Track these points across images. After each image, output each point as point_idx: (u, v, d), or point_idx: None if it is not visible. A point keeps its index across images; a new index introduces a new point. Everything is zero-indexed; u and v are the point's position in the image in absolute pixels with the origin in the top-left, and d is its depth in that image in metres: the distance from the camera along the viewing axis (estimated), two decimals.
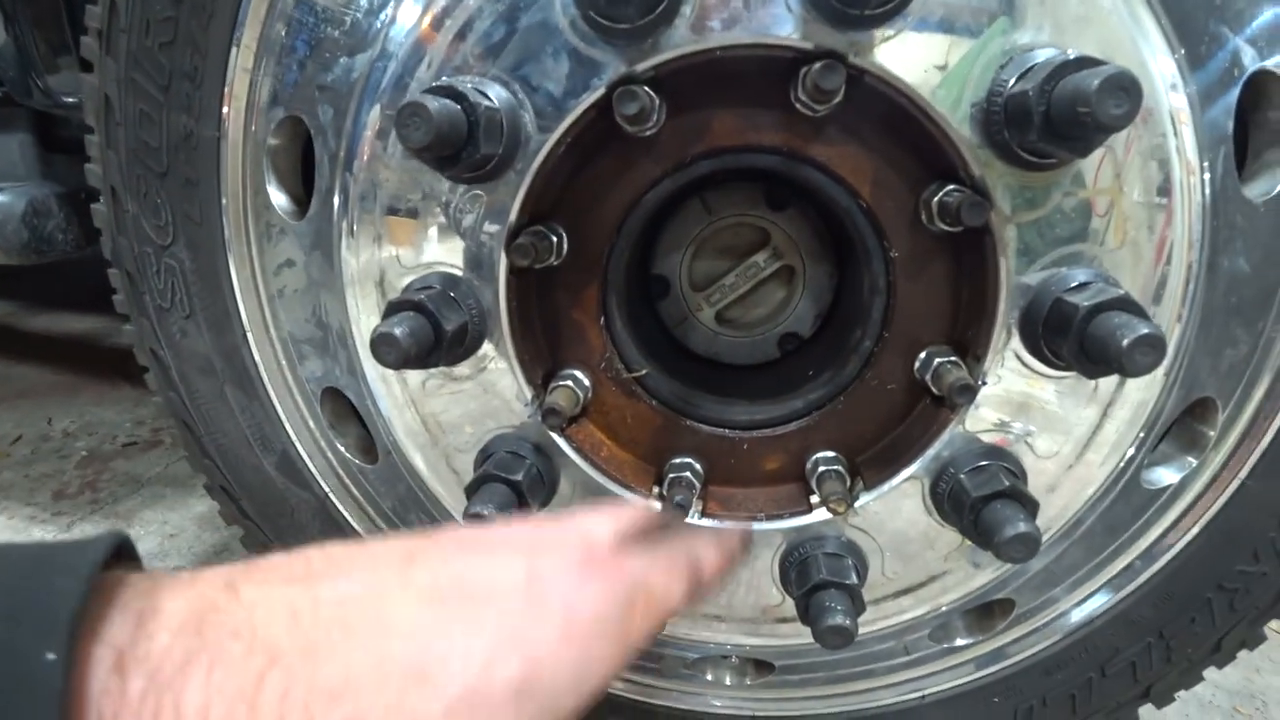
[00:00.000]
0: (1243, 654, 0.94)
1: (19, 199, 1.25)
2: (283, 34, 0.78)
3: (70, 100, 1.20)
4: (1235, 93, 0.68)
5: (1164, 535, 0.87)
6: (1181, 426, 0.85)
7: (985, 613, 0.92)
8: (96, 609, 0.30)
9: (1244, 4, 0.67)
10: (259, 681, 0.31)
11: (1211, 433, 0.83)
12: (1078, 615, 0.92)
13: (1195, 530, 0.87)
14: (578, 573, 0.39)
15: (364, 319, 0.75)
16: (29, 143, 1.42)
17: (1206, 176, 0.68)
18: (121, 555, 0.33)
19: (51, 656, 0.27)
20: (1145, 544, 0.88)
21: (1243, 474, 0.84)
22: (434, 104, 0.54)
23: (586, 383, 0.74)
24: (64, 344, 2.61)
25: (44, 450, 1.94)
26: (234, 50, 0.80)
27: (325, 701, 0.31)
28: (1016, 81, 0.59)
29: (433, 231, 0.69)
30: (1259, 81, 0.71)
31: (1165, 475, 0.84)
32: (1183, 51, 0.65)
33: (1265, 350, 0.79)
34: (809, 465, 0.75)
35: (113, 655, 0.29)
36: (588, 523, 0.44)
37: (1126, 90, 0.52)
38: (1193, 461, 0.84)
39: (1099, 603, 0.91)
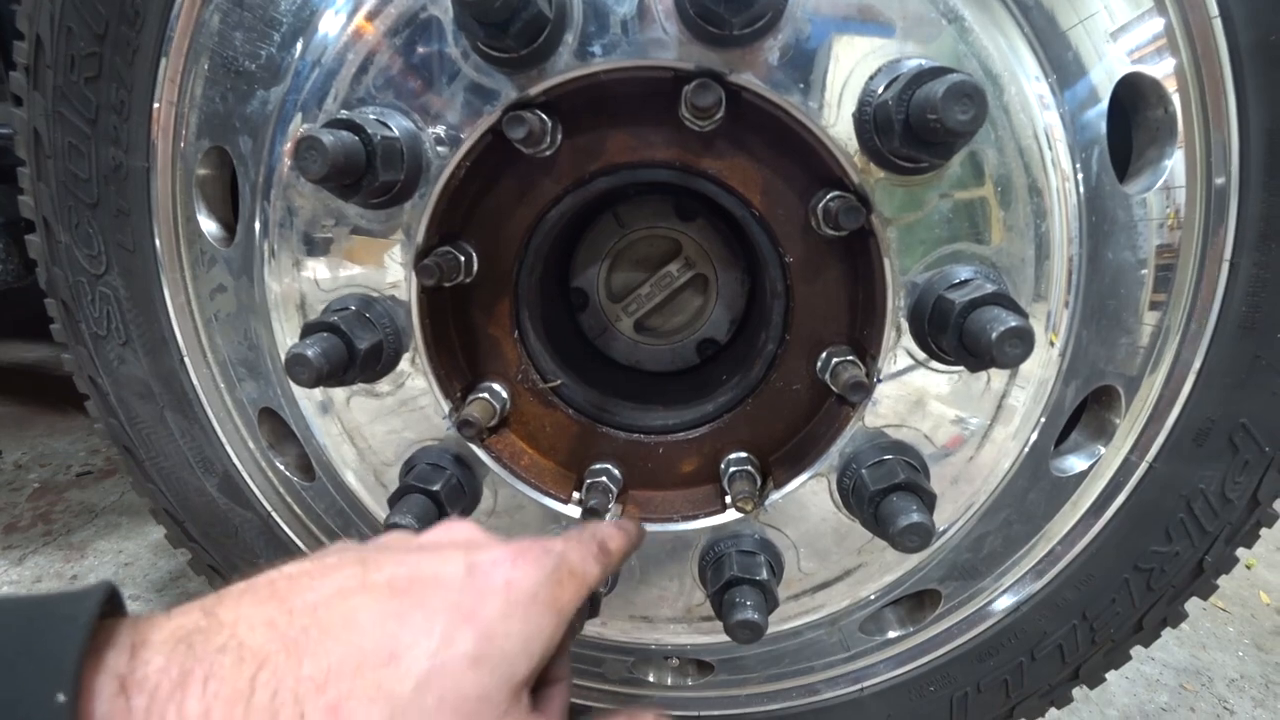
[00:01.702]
0: (1190, 632, 0.98)
1: None
2: (205, 68, 0.82)
3: (3, 132, 1.23)
4: (1106, 97, 0.73)
5: (1081, 520, 0.92)
6: (1090, 415, 0.89)
7: (916, 604, 0.96)
8: (96, 648, 0.34)
9: (1111, 10, 0.72)
10: (251, 683, 0.35)
11: (1117, 420, 0.87)
12: (1004, 602, 0.96)
13: (1109, 514, 0.91)
14: (510, 558, 0.45)
15: (288, 341, 0.79)
16: None
17: (1080, 177, 0.73)
18: (113, 603, 0.38)
19: (62, 698, 0.31)
20: (1063, 530, 0.92)
21: (1149, 458, 0.89)
22: (329, 137, 0.58)
23: (504, 394, 0.78)
24: (13, 374, 2.61)
25: None
26: (159, 84, 0.84)
27: (312, 692, 0.36)
28: (883, 91, 0.64)
29: (347, 254, 0.73)
30: (1135, 83, 0.76)
31: (1076, 463, 0.89)
32: (1054, 74, 0.69)
33: (1162, 337, 0.83)
34: (722, 466, 0.79)
35: (115, 682, 0.34)
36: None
37: (971, 97, 0.56)
38: (1101, 449, 0.88)
39: (1024, 589, 0.95)
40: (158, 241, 0.90)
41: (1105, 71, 0.74)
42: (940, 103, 0.55)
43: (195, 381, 0.95)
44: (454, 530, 0.52)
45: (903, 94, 0.60)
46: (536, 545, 0.48)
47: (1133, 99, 0.79)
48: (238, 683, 0.35)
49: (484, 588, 0.43)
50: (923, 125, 0.58)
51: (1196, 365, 0.85)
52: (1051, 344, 0.76)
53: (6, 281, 1.27)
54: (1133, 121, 0.81)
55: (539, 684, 0.49)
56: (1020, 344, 0.61)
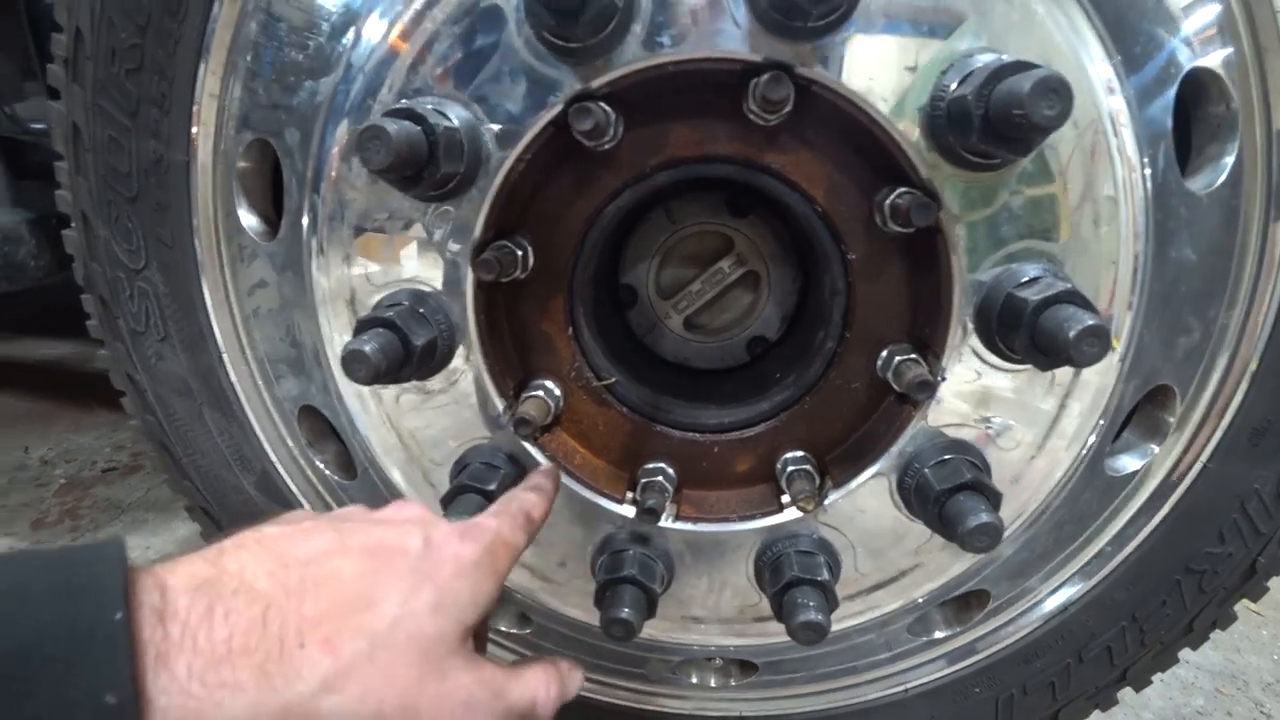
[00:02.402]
0: (1224, 636, 0.97)
1: None
2: (248, 59, 0.80)
3: (38, 127, 1.21)
4: (1172, 91, 0.72)
5: (1132, 520, 0.91)
6: (1143, 414, 0.88)
7: (962, 604, 0.95)
8: (130, 584, 0.41)
9: (1178, 6, 0.71)
10: (263, 617, 0.45)
11: (1171, 419, 0.86)
12: (1053, 603, 0.95)
13: (1161, 514, 0.90)
14: (458, 535, 0.57)
15: (336, 337, 0.78)
16: None
17: (1148, 172, 0.72)
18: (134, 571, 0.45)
19: (119, 615, 0.39)
20: (1114, 530, 0.91)
21: (1204, 457, 0.88)
22: (393, 126, 0.57)
23: (557, 392, 0.77)
24: (38, 371, 2.60)
25: (21, 480, 1.94)
26: (200, 75, 0.83)
27: (310, 628, 0.46)
28: (957, 86, 0.62)
29: (400, 249, 0.72)
30: (1198, 78, 0.74)
31: (1129, 462, 0.87)
32: (1119, 57, 0.68)
33: (1219, 336, 0.82)
34: (778, 465, 0.78)
35: (153, 613, 0.42)
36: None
37: (1057, 91, 0.55)
38: (1155, 448, 0.87)
39: (1073, 590, 0.94)
40: (197, 236, 0.89)
41: (1172, 63, 0.72)
42: (1027, 98, 0.54)
43: (234, 378, 0.94)
44: (405, 510, 0.61)
45: (982, 89, 0.58)
46: (476, 525, 0.59)
47: (1194, 94, 0.77)
48: (251, 616, 0.44)
49: (439, 557, 0.54)
50: (1005, 121, 0.57)
51: (1253, 364, 0.84)
52: (1113, 348, 0.75)
53: (39, 278, 1.26)
54: (1193, 116, 0.80)
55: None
56: (1098, 342, 0.59)
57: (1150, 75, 0.71)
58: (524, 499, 0.65)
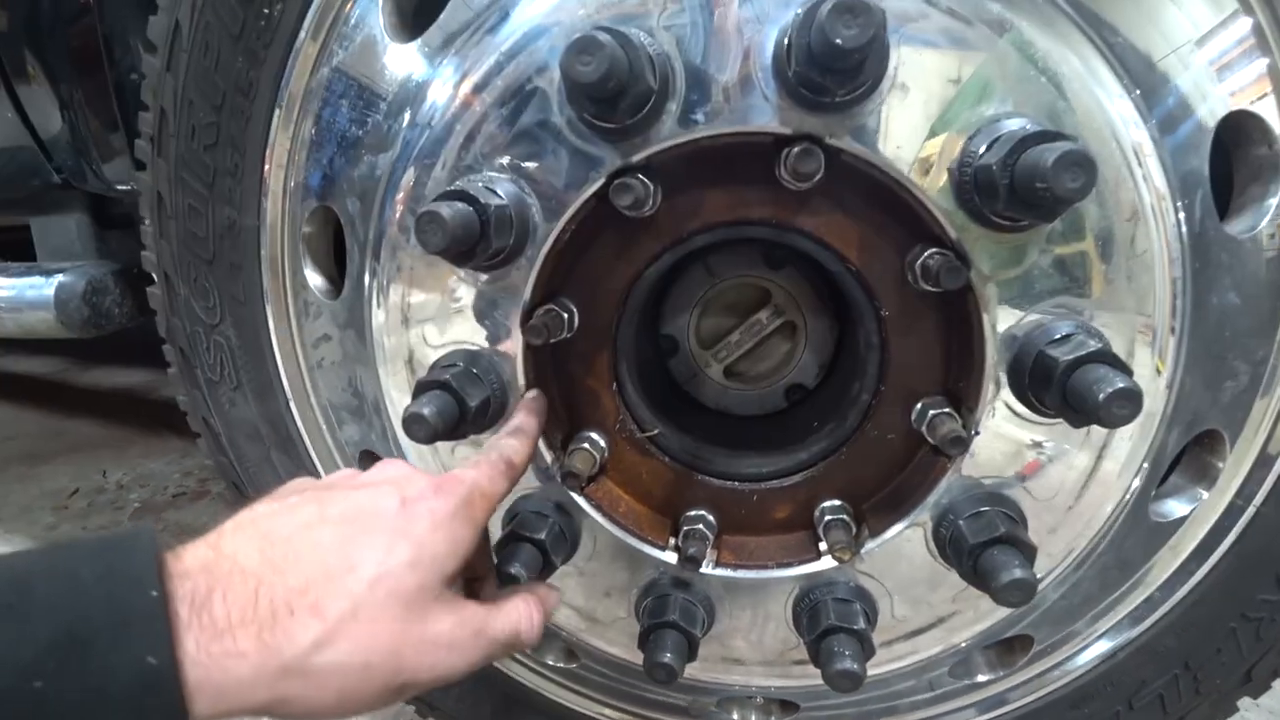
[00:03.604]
0: None
1: (80, 278, 1.37)
2: (313, 133, 0.87)
3: (123, 188, 1.32)
4: (1208, 141, 0.72)
5: (1182, 566, 0.90)
6: (1191, 458, 0.87)
7: (1006, 648, 0.95)
8: (161, 567, 0.49)
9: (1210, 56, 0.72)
10: (254, 595, 0.51)
11: (1220, 464, 0.85)
12: (1099, 648, 0.94)
13: (1213, 560, 0.89)
14: (433, 491, 0.61)
15: (395, 393, 0.83)
16: (85, 222, 1.56)
17: (1183, 221, 0.72)
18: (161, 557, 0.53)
19: (155, 594, 0.48)
20: (1163, 575, 0.90)
21: (1257, 502, 0.86)
22: (448, 211, 0.62)
23: (603, 444, 0.81)
24: (113, 398, 2.78)
25: (100, 503, 2.07)
26: (269, 148, 0.90)
27: (297, 596, 0.52)
28: (984, 153, 0.64)
29: (454, 313, 0.77)
30: (1237, 121, 0.75)
31: (1176, 507, 0.87)
32: (1153, 121, 0.69)
33: (1269, 379, 0.81)
34: (816, 514, 0.80)
35: (174, 596, 0.49)
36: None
37: (1081, 165, 0.57)
38: (1204, 493, 0.86)
39: (1120, 636, 0.93)
40: (267, 294, 0.96)
41: (1208, 110, 0.73)
42: (1050, 171, 0.56)
43: (300, 424, 1.01)
44: (386, 469, 0.66)
45: (1007, 159, 0.60)
46: (452, 478, 0.62)
47: (1234, 136, 0.77)
48: (244, 595, 0.51)
49: (414, 514, 0.58)
50: (1029, 191, 0.59)
51: None
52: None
53: (122, 323, 1.36)
54: (1234, 158, 0.80)
55: (472, 581, 0.70)
56: (1129, 405, 0.61)
57: (1183, 127, 0.72)
58: (504, 446, 0.69)
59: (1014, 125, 0.65)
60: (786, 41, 0.64)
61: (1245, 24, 0.72)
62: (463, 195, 0.66)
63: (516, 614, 0.63)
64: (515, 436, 0.71)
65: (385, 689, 0.55)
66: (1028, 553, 0.70)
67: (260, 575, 0.52)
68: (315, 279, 0.94)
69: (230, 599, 0.50)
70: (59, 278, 1.37)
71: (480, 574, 0.71)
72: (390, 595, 0.55)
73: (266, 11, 0.86)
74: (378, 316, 0.82)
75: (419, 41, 0.80)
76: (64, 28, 1.32)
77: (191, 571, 0.51)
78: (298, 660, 0.51)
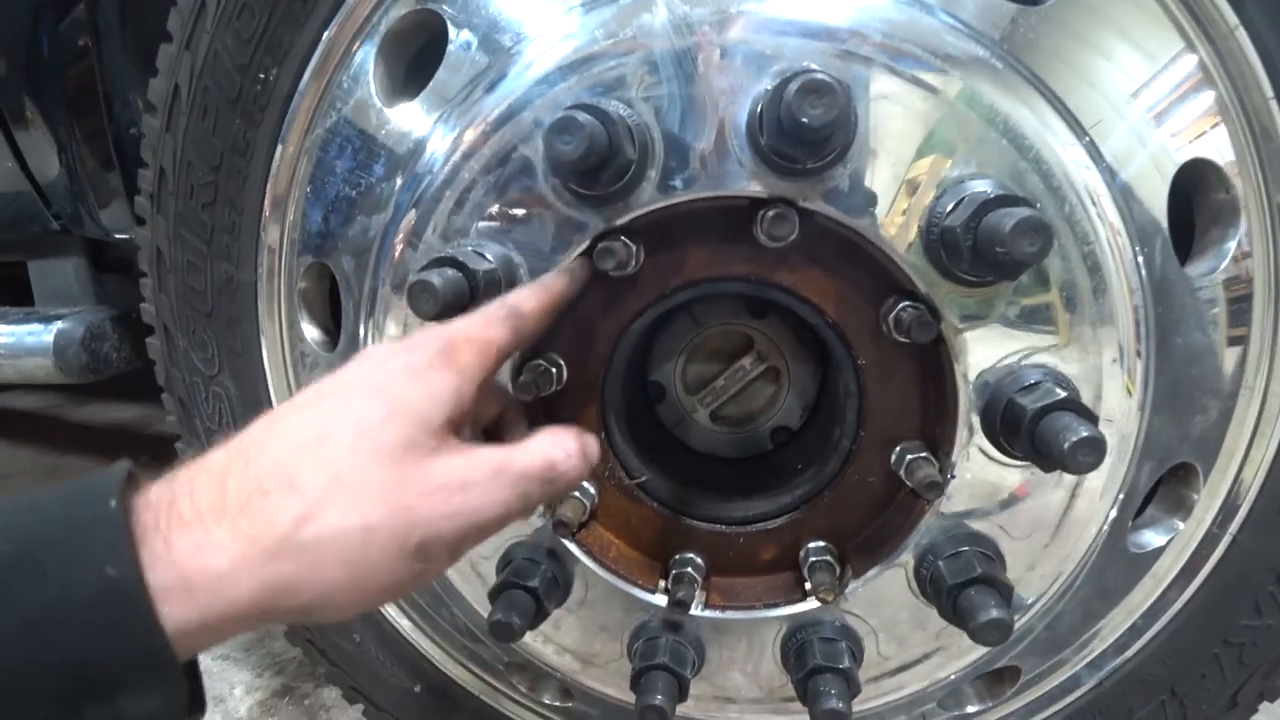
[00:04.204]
0: None
1: (78, 325, 1.41)
2: (308, 192, 0.91)
3: (122, 236, 1.36)
4: (1165, 190, 0.76)
5: (1163, 595, 0.93)
6: (1166, 490, 0.91)
7: (995, 679, 0.98)
8: (123, 484, 0.47)
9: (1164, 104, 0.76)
10: (222, 486, 0.48)
11: (1195, 495, 0.89)
12: (1087, 677, 0.97)
13: (1193, 588, 0.92)
14: (405, 348, 0.57)
15: None
16: (83, 266, 1.60)
17: (1145, 270, 0.76)
18: (132, 475, 0.50)
19: (113, 504, 0.45)
20: (1145, 604, 0.93)
21: (1233, 530, 0.90)
22: (438, 279, 0.66)
23: (592, 491, 0.84)
24: (109, 434, 2.80)
25: None
26: (266, 207, 0.94)
27: (269, 475, 0.48)
28: (949, 213, 0.68)
29: None
30: (1195, 167, 0.79)
31: (1154, 538, 0.90)
32: (1111, 176, 0.73)
33: (1239, 412, 0.85)
34: (801, 555, 0.84)
35: (140, 505, 0.47)
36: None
37: (1038, 230, 0.61)
38: (1180, 523, 0.89)
39: (1107, 664, 0.96)
40: (264, 346, 1.00)
41: (1168, 159, 0.77)
42: (1008, 237, 0.60)
43: None
44: (367, 351, 0.61)
45: (969, 222, 0.64)
46: (429, 331, 0.58)
47: (1192, 181, 0.82)
48: (212, 489, 0.47)
49: (385, 372, 0.54)
50: (990, 253, 0.63)
51: (1277, 437, 0.86)
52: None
53: (120, 368, 1.39)
54: (1194, 203, 0.84)
55: (496, 434, 0.67)
56: (1093, 453, 0.64)
57: (1142, 178, 0.76)
58: (512, 294, 0.65)
59: (977, 187, 0.69)
60: (759, 111, 0.68)
61: (1204, 84, 0.76)
62: (452, 261, 0.70)
63: (546, 444, 0.55)
64: (531, 287, 0.66)
65: (401, 552, 0.49)
66: (1005, 592, 0.73)
67: (226, 469, 0.48)
68: (311, 332, 0.97)
69: (198, 496, 0.47)
70: (58, 324, 1.40)
71: (505, 425, 0.67)
72: (374, 453, 0.49)
73: (263, 76, 0.90)
74: None
75: (410, 106, 0.84)
76: (62, 72, 1.36)
77: (160, 484, 0.48)
78: (285, 539, 0.46)
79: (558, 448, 0.56)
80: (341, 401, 0.53)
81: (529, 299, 0.65)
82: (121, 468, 0.48)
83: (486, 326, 0.60)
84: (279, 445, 0.50)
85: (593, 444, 0.60)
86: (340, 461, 0.49)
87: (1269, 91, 0.78)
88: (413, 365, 0.54)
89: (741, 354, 0.92)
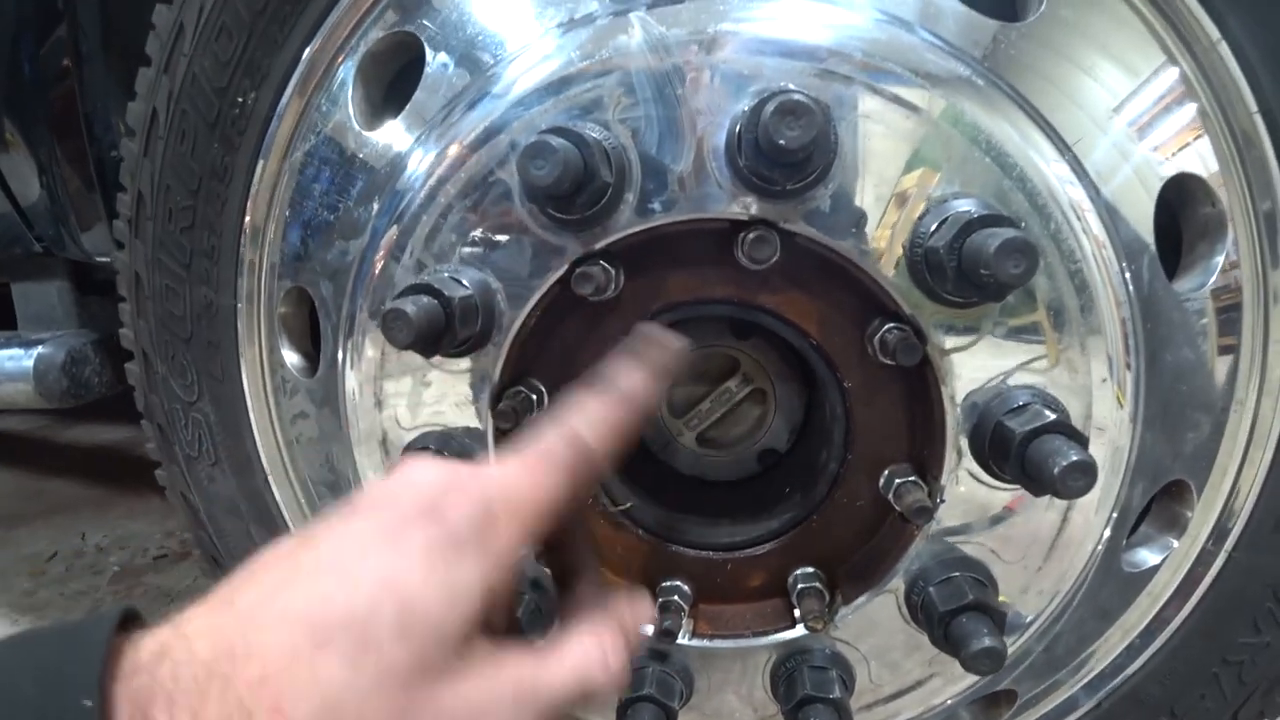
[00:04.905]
0: None
1: (59, 349, 1.39)
2: (287, 216, 0.90)
3: (103, 259, 1.35)
4: (1150, 206, 0.76)
5: (1159, 614, 0.92)
6: (1160, 508, 0.90)
7: (991, 703, 0.97)
8: (107, 668, 0.40)
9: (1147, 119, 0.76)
10: (204, 692, 0.40)
11: (1189, 513, 0.88)
12: (1084, 699, 0.96)
13: (1190, 606, 0.91)
14: (429, 503, 0.45)
15: (370, 472, 0.86)
16: (66, 289, 1.58)
17: (1132, 287, 0.75)
18: (130, 622, 0.44)
19: (89, 703, 0.38)
20: (1142, 623, 0.92)
21: (1228, 547, 0.89)
22: (412, 307, 0.65)
23: (576, 520, 0.82)
24: (94, 456, 2.78)
25: (78, 567, 2.07)
26: (244, 231, 0.93)
27: (253, 691, 0.40)
28: (933, 234, 0.68)
29: (426, 396, 0.79)
30: (1180, 182, 0.78)
31: (1149, 556, 0.89)
32: (1095, 191, 0.73)
33: (1232, 428, 0.84)
34: (790, 581, 0.82)
35: (121, 699, 0.40)
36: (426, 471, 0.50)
37: (1022, 252, 0.60)
38: (1174, 541, 0.88)
39: (1105, 685, 0.95)
40: (244, 372, 0.98)
41: (1153, 174, 0.77)
42: (993, 259, 0.59)
43: (279, 499, 1.02)
44: (395, 478, 0.49)
45: (953, 242, 0.64)
46: (460, 478, 0.46)
47: (1179, 196, 0.81)
48: (193, 693, 0.39)
49: (402, 550, 0.43)
50: (974, 274, 0.62)
51: (1270, 452, 0.85)
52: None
53: (102, 393, 1.38)
54: (1180, 217, 0.84)
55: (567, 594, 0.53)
56: (1083, 478, 0.63)
57: (1129, 195, 0.75)
58: (580, 414, 0.49)
59: (961, 206, 0.68)
60: (737, 132, 0.67)
61: (1186, 97, 0.76)
62: (428, 289, 0.69)
63: (580, 652, 0.46)
64: (605, 400, 0.51)
65: None
66: (997, 618, 0.72)
67: (213, 665, 0.40)
68: (291, 357, 0.96)
69: (178, 701, 0.39)
70: (38, 349, 1.39)
71: (581, 577, 0.55)
72: (377, 678, 0.41)
73: (241, 99, 0.90)
74: (351, 397, 0.85)
75: (389, 129, 0.83)
76: (44, 94, 1.35)
77: (143, 666, 0.41)
78: None
79: (596, 660, 0.46)
80: (345, 585, 0.42)
81: (599, 423, 0.50)
82: (105, 635, 0.41)
83: (537, 479, 0.47)
84: (271, 645, 0.41)
85: (640, 624, 0.51)
86: (337, 683, 0.40)
87: (1253, 106, 0.77)
88: (435, 544, 0.43)
89: (727, 376, 0.91)
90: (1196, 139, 0.78)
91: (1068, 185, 0.73)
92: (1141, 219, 0.76)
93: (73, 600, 1.91)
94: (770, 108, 0.59)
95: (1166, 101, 0.77)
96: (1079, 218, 0.72)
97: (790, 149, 0.59)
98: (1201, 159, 0.78)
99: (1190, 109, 0.77)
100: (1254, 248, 0.81)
